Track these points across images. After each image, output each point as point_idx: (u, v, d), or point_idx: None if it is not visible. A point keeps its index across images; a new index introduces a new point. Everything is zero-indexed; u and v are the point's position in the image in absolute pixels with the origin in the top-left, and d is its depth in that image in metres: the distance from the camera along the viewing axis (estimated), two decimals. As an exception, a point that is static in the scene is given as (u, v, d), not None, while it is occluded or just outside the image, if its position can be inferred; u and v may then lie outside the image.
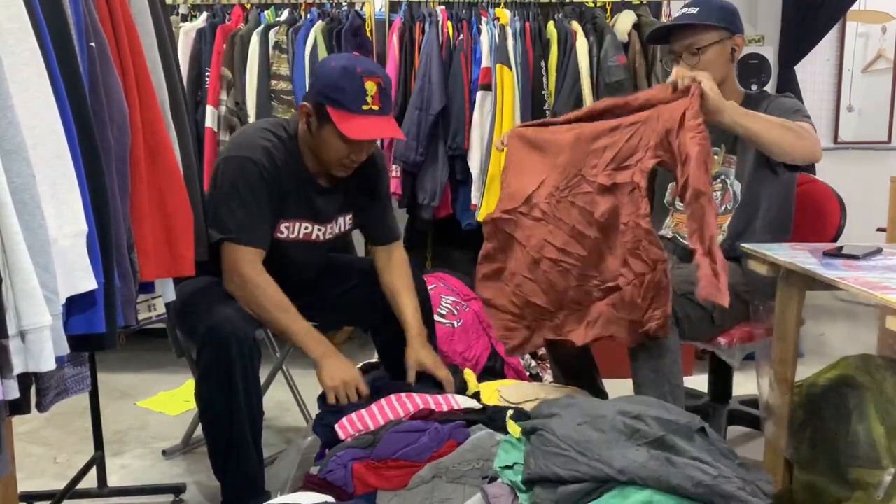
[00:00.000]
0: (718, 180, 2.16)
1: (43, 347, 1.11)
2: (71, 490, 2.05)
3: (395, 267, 2.14)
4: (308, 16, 3.34)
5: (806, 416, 1.84)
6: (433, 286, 2.80)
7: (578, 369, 2.17)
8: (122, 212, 1.36)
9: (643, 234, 1.74)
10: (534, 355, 2.96)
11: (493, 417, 1.69)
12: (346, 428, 1.71)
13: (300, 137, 1.97)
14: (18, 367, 1.10)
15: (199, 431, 2.51)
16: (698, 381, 2.63)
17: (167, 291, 1.58)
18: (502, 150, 2.11)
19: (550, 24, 3.31)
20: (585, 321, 1.89)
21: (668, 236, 2.28)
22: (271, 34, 3.19)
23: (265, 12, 3.31)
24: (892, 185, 2.86)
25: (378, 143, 3.39)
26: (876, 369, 1.76)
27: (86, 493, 2.13)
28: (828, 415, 1.78)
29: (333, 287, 2.16)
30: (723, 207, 2.16)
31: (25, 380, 1.19)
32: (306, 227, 2.04)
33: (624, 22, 3.31)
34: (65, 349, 1.18)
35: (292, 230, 2.02)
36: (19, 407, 1.20)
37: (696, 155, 1.63)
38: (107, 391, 2.94)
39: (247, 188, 1.88)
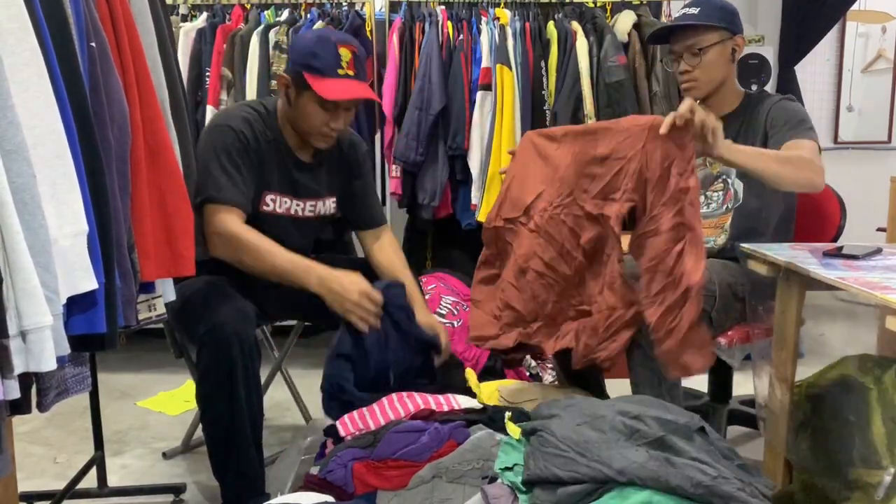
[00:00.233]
0: (720, 180, 2.16)
1: (44, 347, 1.11)
2: (71, 490, 2.05)
3: (386, 247, 2.18)
4: (308, 16, 3.34)
5: (806, 416, 1.84)
6: (433, 286, 2.80)
7: (583, 372, 2.17)
8: (123, 211, 1.35)
9: (618, 274, 1.78)
10: (534, 355, 2.96)
11: (493, 417, 1.69)
12: (346, 425, 1.71)
13: (279, 113, 2.03)
14: (19, 366, 1.10)
15: (199, 432, 2.51)
16: (698, 381, 2.63)
17: (167, 291, 1.58)
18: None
19: (550, 24, 3.31)
20: (555, 336, 1.92)
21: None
22: (271, 34, 3.19)
23: (265, 12, 3.31)
24: (892, 185, 2.85)
25: (378, 143, 3.43)
26: (876, 369, 1.76)
27: (86, 493, 2.13)
28: (828, 415, 1.78)
29: None
30: (724, 207, 2.16)
31: (26, 380, 1.19)
32: (286, 203, 2.05)
33: (624, 22, 3.31)
34: (65, 349, 1.18)
35: (278, 204, 2.04)
36: (20, 407, 1.20)
37: (689, 241, 1.66)
38: (107, 391, 2.94)
39: (225, 153, 1.90)
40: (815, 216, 2.34)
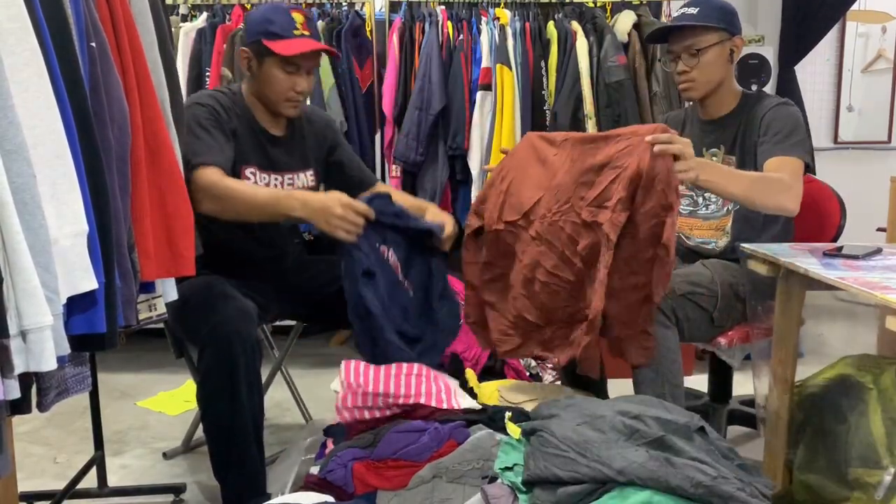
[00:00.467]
0: None
1: (44, 347, 1.11)
2: (71, 490, 2.05)
3: (383, 187, 2.24)
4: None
5: (806, 416, 1.84)
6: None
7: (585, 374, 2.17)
8: (123, 211, 1.35)
9: (602, 281, 1.78)
10: (535, 356, 2.96)
11: (493, 417, 1.69)
12: (349, 373, 1.72)
13: (245, 93, 2.09)
14: (19, 366, 1.10)
15: (199, 432, 2.51)
16: (698, 381, 2.63)
17: (168, 291, 1.58)
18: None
19: (550, 24, 3.31)
20: (569, 340, 1.92)
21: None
22: (271, 34, 3.19)
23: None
24: (892, 185, 2.85)
25: (378, 143, 3.43)
26: (876, 369, 1.76)
27: (86, 493, 2.13)
28: (828, 415, 1.78)
29: (324, 287, 2.16)
30: (725, 209, 2.16)
31: (26, 379, 1.19)
32: (265, 178, 2.07)
33: (624, 22, 3.31)
34: (65, 349, 1.18)
35: (258, 178, 2.06)
36: (20, 407, 1.20)
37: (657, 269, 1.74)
38: (107, 391, 2.94)
39: (196, 124, 1.93)
40: (815, 216, 2.33)
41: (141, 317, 1.52)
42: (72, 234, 1.18)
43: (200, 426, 2.48)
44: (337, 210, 1.81)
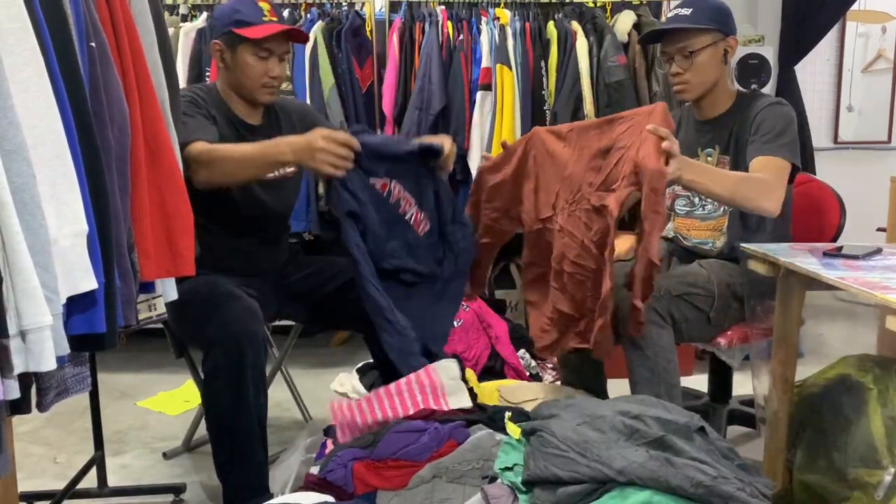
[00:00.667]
0: None
1: (43, 347, 1.11)
2: (71, 490, 2.05)
3: None
4: (308, 16, 3.34)
5: (806, 416, 1.84)
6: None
7: (586, 374, 2.17)
8: (123, 211, 1.35)
9: (608, 262, 1.79)
10: (533, 355, 2.96)
11: (493, 417, 1.69)
12: (342, 411, 1.72)
13: (220, 88, 2.12)
14: (19, 366, 1.10)
15: (199, 432, 2.51)
16: (698, 381, 2.63)
17: (168, 291, 1.58)
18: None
19: (550, 24, 3.31)
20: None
21: (669, 236, 2.29)
22: (271, 34, 3.19)
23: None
24: (892, 185, 2.85)
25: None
26: (876, 369, 1.76)
27: (86, 493, 2.13)
28: (827, 415, 1.78)
29: (322, 288, 2.16)
30: (721, 209, 2.15)
31: (26, 379, 1.19)
32: None
33: (624, 22, 3.31)
34: (65, 349, 1.18)
35: None
36: (19, 407, 1.20)
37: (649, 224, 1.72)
38: (107, 391, 2.94)
39: (182, 114, 1.90)
40: (815, 216, 2.34)
41: (141, 317, 1.52)
42: (71, 234, 1.18)
43: (200, 426, 2.49)
44: (319, 143, 1.79)
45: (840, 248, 1.80)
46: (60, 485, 2.08)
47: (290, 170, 2.16)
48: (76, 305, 1.21)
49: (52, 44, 1.18)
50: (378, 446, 1.61)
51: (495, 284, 3.62)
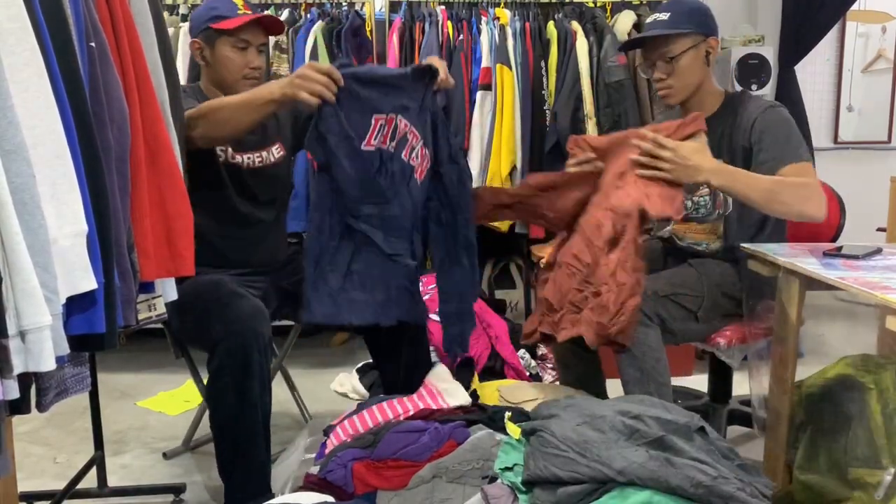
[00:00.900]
0: (705, 185, 2.14)
1: (43, 347, 1.11)
2: (71, 490, 2.05)
3: None
4: (308, 16, 3.34)
5: (806, 416, 1.84)
6: (433, 286, 2.80)
7: (585, 373, 2.17)
8: (123, 212, 1.35)
9: (633, 254, 1.81)
10: (534, 355, 2.96)
11: (493, 417, 1.69)
12: (338, 435, 1.73)
13: (203, 87, 2.16)
14: (18, 366, 1.10)
15: (199, 432, 2.51)
16: (698, 381, 2.63)
17: (168, 291, 1.58)
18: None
19: (550, 24, 3.31)
20: (573, 322, 1.92)
21: (665, 236, 2.28)
22: (271, 34, 3.19)
23: (265, 12, 3.31)
24: (892, 185, 2.85)
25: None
26: (876, 369, 1.76)
27: (86, 493, 2.13)
28: (827, 415, 1.78)
29: None
30: (716, 213, 2.14)
31: (25, 380, 1.19)
32: (237, 158, 2.08)
33: (624, 22, 3.31)
34: (65, 349, 1.18)
35: (229, 155, 2.07)
36: (19, 407, 1.20)
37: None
38: (107, 391, 2.94)
39: None
40: (816, 216, 2.33)
41: (140, 317, 1.52)
42: (71, 234, 1.18)
43: (200, 426, 2.49)
44: (300, 72, 1.77)
45: (840, 248, 1.80)
46: (60, 485, 2.07)
47: (278, 154, 2.17)
48: (76, 305, 1.21)
49: (51, 44, 1.18)
50: (378, 446, 1.61)
51: (495, 284, 3.62)
